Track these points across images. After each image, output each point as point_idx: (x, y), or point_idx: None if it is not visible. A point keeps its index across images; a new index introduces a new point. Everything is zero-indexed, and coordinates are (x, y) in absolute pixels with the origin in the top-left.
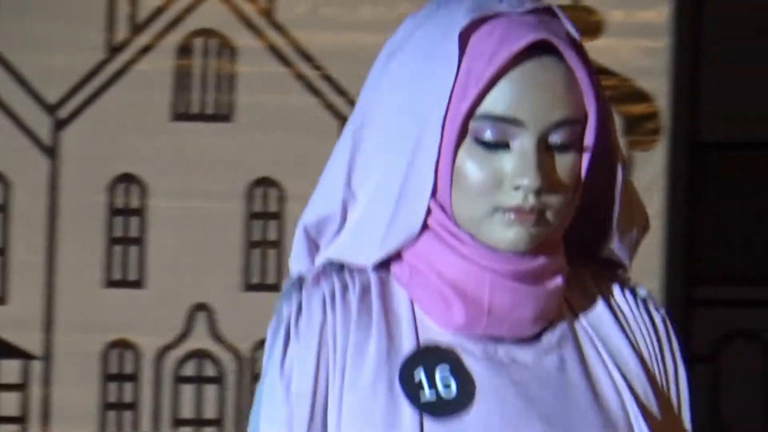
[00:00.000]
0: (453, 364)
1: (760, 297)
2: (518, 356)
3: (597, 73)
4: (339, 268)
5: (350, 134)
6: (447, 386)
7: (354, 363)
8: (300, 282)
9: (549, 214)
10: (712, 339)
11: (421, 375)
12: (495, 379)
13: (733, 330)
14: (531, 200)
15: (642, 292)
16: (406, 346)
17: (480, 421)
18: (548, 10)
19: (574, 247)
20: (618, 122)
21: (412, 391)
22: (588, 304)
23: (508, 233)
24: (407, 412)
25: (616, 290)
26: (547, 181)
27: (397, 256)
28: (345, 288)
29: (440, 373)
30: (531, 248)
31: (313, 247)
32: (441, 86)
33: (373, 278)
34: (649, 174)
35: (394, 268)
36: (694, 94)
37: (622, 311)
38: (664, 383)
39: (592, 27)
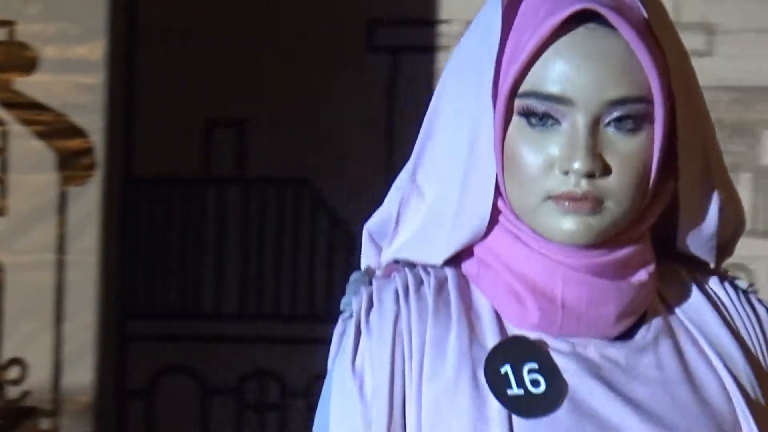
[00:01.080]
0: (542, 361)
1: (195, 331)
2: (611, 354)
3: (657, 50)
4: (410, 265)
5: (423, 127)
6: (535, 383)
7: (434, 356)
8: (369, 275)
9: (610, 203)
10: (148, 374)
11: (507, 368)
12: (586, 379)
13: (169, 365)
14: (584, 186)
15: (742, 284)
16: (490, 341)
17: (573, 422)
18: None
19: (668, 241)
20: (52, 158)
21: (497, 384)
22: (685, 297)
23: (564, 224)
24: (494, 405)
25: (714, 282)
26: (602, 165)
27: (468, 251)
28: (420, 282)
29: (528, 369)
30: (594, 240)
31: (379, 249)
32: (487, 62)
33: (449, 273)
34: (83, 209)
35: (464, 264)
36: (129, 129)
37: (723, 303)
38: None
39: (27, 63)
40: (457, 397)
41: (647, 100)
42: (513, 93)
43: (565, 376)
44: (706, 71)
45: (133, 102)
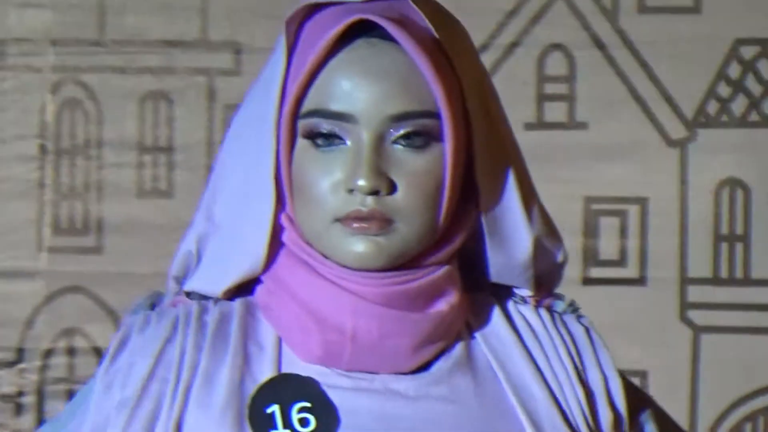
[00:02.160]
0: (314, 399)
1: None
2: (399, 388)
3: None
4: (202, 297)
5: (217, 159)
6: (303, 422)
7: (201, 386)
8: (153, 301)
9: (399, 223)
10: None
11: (275, 408)
12: (364, 415)
13: None
14: (369, 203)
15: (559, 307)
16: (266, 375)
17: None
18: (402, 2)
19: (480, 268)
20: None
21: (260, 425)
22: (493, 329)
23: (352, 245)
24: None
25: (526, 311)
26: (388, 183)
27: (259, 280)
28: (204, 311)
29: (298, 408)
30: (385, 263)
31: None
32: (272, 85)
33: (237, 307)
34: None
35: (257, 293)
36: None
37: (534, 332)
38: (591, 401)
39: None
40: (222, 431)
41: (434, 115)
42: (295, 113)
43: (342, 413)
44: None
45: None
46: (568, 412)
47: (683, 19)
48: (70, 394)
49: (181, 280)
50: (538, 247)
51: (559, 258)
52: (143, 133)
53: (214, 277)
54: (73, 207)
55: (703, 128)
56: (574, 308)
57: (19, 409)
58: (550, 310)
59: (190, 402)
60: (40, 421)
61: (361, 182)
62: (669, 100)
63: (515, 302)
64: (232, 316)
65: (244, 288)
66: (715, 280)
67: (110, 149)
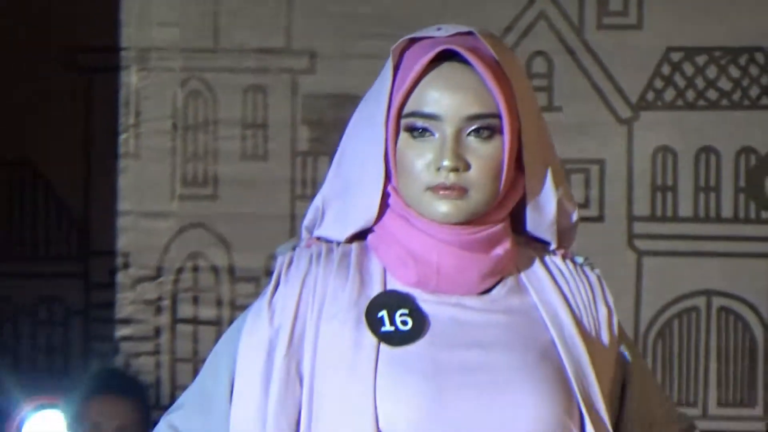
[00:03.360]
0: (410, 308)
1: None
2: (471, 304)
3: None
4: (328, 241)
5: (339, 146)
6: (403, 323)
7: (331, 301)
8: (293, 245)
9: (472, 191)
10: None
11: (383, 313)
12: (444, 317)
13: None
14: (451, 178)
15: (578, 260)
16: (375, 291)
17: (426, 347)
18: (471, 33)
19: (523, 228)
20: None
21: (373, 324)
22: (532, 269)
23: (440, 207)
24: (369, 338)
25: (556, 259)
26: (465, 163)
27: (371, 230)
28: (330, 251)
29: (399, 314)
30: (462, 219)
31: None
32: (382, 93)
33: (354, 248)
34: None
35: (369, 238)
36: None
37: (562, 274)
38: (597, 325)
39: None
40: (344, 333)
41: (496, 116)
42: (399, 114)
43: (433, 317)
44: None
45: None
46: (584, 328)
47: (630, 33)
48: (195, 299)
49: (310, 229)
50: (560, 207)
51: (574, 219)
52: (245, 114)
53: (339, 228)
54: (196, 167)
55: (643, 111)
56: (589, 262)
57: (158, 311)
58: (573, 261)
59: (323, 315)
60: (174, 319)
61: (446, 162)
62: (620, 90)
63: (548, 253)
64: (351, 254)
65: (358, 236)
66: (653, 218)
67: (222, 126)
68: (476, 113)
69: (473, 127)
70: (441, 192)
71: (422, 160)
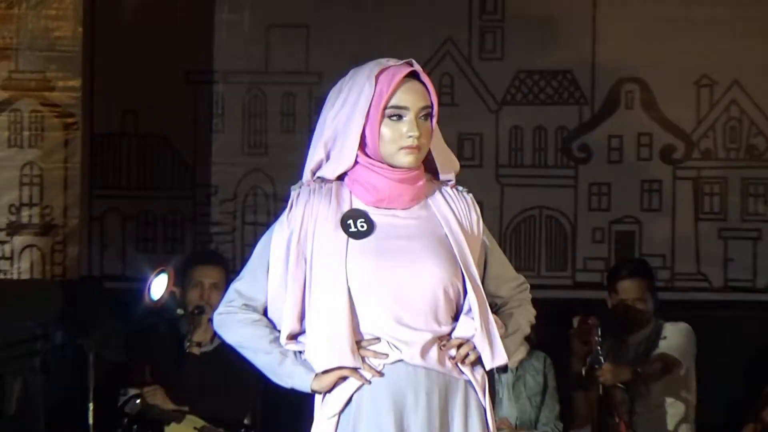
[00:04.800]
0: (365, 218)
1: None
2: (401, 215)
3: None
4: (321, 180)
5: (324, 126)
6: (362, 226)
7: (323, 216)
8: (301, 184)
9: (423, 150)
10: None
11: (350, 221)
12: (384, 222)
13: None
14: (415, 142)
15: (460, 188)
16: (346, 209)
17: (373, 239)
18: (413, 63)
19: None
20: None
21: (345, 226)
22: (435, 196)
23: (407, 158)
24: (342, 235)
25: (448, 188)
26: (419, 134)
27: (346, 174)
28: (321, 187)
29: (359, 221)
30: (416, 165)
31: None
32: (365, 98)
33: (335, 184)
34: None
35: (346, 179)
36: None
37: (451, 196)
38: (471, 225)
39: None
40: (328, 233)
41: (432, 107)
42: (384, 108)
43: (378, 222)
44: None
45: None
46: (463, 227)
47: (496, 62)
48: (254, 211)
49: (314, 171)
50: (451, 158)
51: (457, 166)
52: (283, 108)
53: (330, 170)
54: (255, 137)
55: (505, 105)
56: (467, 190)
57: (233, 217)
58: (457, 190)
59: (317, 223)
60: (243, 223)
61: (413, 133)
62: (491, 94)
63: (443, 185)
64: (332, 188)
65: (340, 176)
66: (509, 165)
67: (270, 115)
68: (424, 105)
69: (422, 114)
70: (408, 149)
71: (398, 132)
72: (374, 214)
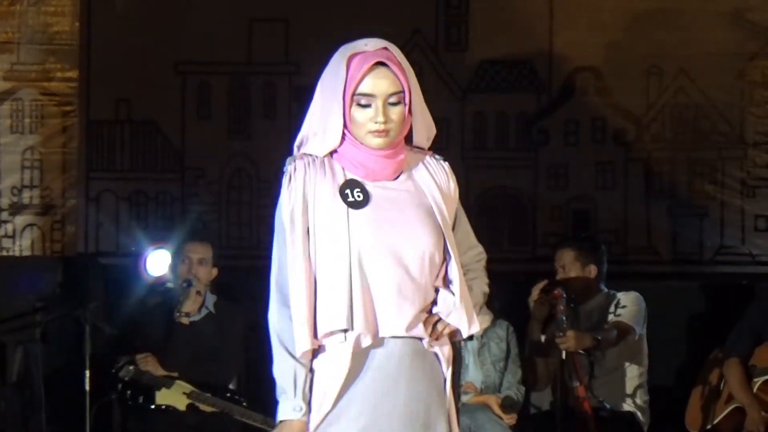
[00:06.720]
0: (361, 188)
1: None
2: (389, 186)
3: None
4: (311, 156)
5: (313, 103)
6: (359, 196)
7: (321, 187)
8: (294, 158)
9: (392, 133)
10: None
11: (348, 191)
12: (377, 194)
13: None
14: (382, 126)
15: (438, 157)
16: (341, 181)
17: (370, 209)
18: (386, 48)
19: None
20: None
21: (343, 196)
22: (417, 166)
23: (375, 141)
24: (342, 205)
25: (427, 157)
26: (387, 118)
27: (336, 150)
28: (313, 161)
29: (356, 191)
30: (386, 146)
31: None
32: (337, 82)
33: (326, 159)
34: None
35: (335, 155)
36: None
37: (432, 166)
38: (449, 191)
39: None
40: (328, 203)
41: (402, 92)
42: (353, 94)
43: (372, 193)
44: None
45: None
46: (443, 193)
47: (461, 52)
48: (238, 190)
49: (299, 147)
50: (428, 133)
51: (432, 135)
52: (261, 97)
53: (318, 148)
54: (238, 124)
55: (469, 93)
56: (444, 159)
57: (218, 196)
58: (435, 158)
59: (316, 194)
60: (228, 200)
61: (379, 119)
62: (456, 82)
63: (423, 155)
64: (325, 162)
65: (329, 154)
66: (474, 148)
67: (253, 104)
68: (392, 92)
69: (392, 100)
70: (376, 133)
71: (367, 117)
72: (367, 185)
